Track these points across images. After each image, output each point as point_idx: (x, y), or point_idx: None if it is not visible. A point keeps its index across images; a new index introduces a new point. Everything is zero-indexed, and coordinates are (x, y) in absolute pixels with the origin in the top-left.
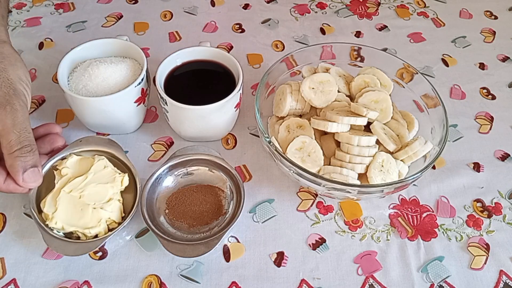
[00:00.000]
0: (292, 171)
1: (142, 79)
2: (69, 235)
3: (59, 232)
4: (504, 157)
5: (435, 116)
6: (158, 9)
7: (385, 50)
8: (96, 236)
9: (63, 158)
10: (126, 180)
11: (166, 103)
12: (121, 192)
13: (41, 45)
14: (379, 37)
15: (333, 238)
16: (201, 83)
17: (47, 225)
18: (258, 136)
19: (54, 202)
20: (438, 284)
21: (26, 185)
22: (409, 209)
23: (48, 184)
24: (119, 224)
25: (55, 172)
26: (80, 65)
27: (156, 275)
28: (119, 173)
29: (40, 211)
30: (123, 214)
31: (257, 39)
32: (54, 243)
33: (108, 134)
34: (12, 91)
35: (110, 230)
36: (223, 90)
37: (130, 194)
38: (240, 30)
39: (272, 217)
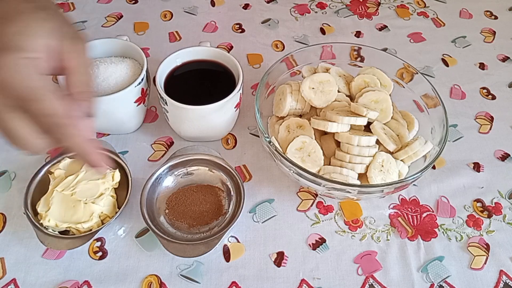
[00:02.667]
0: (292, 171)
1: (142, 79)
2: (65, 233)
3: (54, 231)
4: (504, 157)
5: (435, 116)
6: (158, 9)
7: (385, 50)
8: (89, 231)
9: (56, 163)
10: (117, 175)
11: (166, 103)
12: (116, 189)
13: None
14: (379, 37)
15: (333, 238)
16: (201, 83)
17: (41, 224)
18: (258, 136)
19: (48, 202)
20: (438, 284)
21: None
22: (409, 209)
23: (43, 188)
24: None
25: (50, 176)
26: None
27: (156, 275)
28: (110, 169)
29: (36, 213)
30: (117, 210)
31: (257, 39)
32: (47, 239)
33: (108, 134)
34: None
35: None
36: (223, 90)
37: (125, 191)
38: (240, 30)
39: (272, 217)
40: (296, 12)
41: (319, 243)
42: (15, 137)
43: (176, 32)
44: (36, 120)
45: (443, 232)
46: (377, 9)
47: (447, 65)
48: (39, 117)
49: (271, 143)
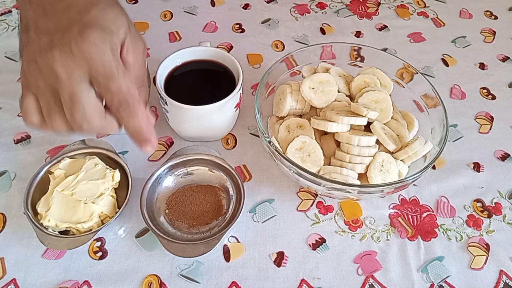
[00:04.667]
0: (292, 171)
1: None
2: (65, 233)
3: (54, 231)
4: (504, 157)
5: (435, 116)
6: (158, 9)
7: (385, 50)
8: (89, 230)
9: (57, 163)
10: (117, 175)
11: (166, 103)
12: (116, 189)
13: None
14: (379, 37)
15: (333, 238)
16: (201, 83)
17: (41, 224)
18: (258, 136)
19: (47, 202)
20: (438, 284)
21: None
22: (409, 209)
23: (43, 188)
24: None
25: (50, 176)
26: None
27: (156, 275)
28: (110, 169)
29: (36, 213)
30: (117, 210)
31: (257, 39)
32: (47, 239)
33: (108, 134)
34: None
35: None
36: (223, 90)
37: (125, 191)
38: (240, 30)
39: (272, 217)
40: (296, 12)
41: (319, 243)
42: (82, 111)
43: (176, 32)
44: (105, 95)
45: (443, 232)
46: (377, 9)
47: (447, 65)
48: (109, 93)
49: (271, 143)
